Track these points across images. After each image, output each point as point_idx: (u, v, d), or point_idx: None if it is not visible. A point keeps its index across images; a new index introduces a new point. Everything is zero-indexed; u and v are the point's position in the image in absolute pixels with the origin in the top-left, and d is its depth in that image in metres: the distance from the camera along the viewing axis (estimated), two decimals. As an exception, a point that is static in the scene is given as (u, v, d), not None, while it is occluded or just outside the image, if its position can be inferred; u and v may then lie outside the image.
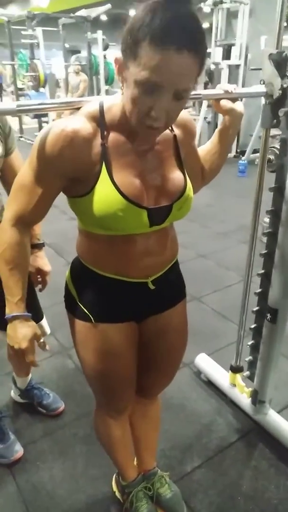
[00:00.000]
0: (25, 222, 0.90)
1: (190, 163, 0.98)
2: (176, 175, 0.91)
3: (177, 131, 0.94)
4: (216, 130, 1.06)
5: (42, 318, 1.55)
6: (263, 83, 1.16)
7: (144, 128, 0.77)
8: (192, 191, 0.95)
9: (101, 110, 0.84)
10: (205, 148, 1.08)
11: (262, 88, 1.17)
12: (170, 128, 0.92)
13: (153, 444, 1.39)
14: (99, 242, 0.93)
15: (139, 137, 0.84)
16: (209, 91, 1.01)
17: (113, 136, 0.84)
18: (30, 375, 1.77)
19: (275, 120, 1.20)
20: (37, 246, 1.43)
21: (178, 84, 0.71)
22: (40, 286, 1.48)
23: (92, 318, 0.98)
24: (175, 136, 0.93)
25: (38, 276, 1.45)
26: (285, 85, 1.15)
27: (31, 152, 0.84)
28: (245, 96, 1.02)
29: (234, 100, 1.01)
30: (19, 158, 1.32)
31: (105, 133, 0.83)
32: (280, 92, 1.14)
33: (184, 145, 0.95)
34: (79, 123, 0.81)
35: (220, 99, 1.00)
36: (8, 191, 1.20)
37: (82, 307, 0.99)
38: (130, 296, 0.98)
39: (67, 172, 0.84)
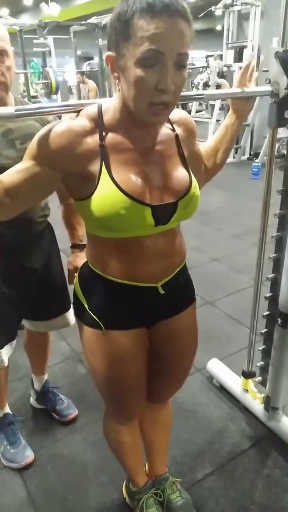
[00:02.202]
0: (7, 193, 0.87)
1: (193, 161, 0.98)
2: (180, 173, 0.90)
3: (178, 130, 0.94)
4: (220, 126, 1.06)
5: (68, 309, 1.58)
6: (269, 82, 1.14)
7: (151, 113, 0.77)
8: (198, 189, 0.93)
9: (100, 112, 0.85)
10: (209, 145, 1.09)
11: (268, 87, 1.15)
12: (171, 127, 0.92)
13: (164, 449, 1.38)
14: (107, 246, 0.92)
15: (139, 135, 0.85)
16: (213, 91, 1.01)
17: (112, 136, 0.85)
18: (46, 375, 1.79)
19: (282, 120, 1.17)
20: (78, 247, 1.50)
21: (177, 48, 0.73)
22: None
23: (102, 325, 0.97)
24: (177, 135, 0.92)
25: (76, 274, 1.50)
26: (291, 84, 1.12)
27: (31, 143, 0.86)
28: (250, 96, 1.01)
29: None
30: None
31: (104, 133, 0.84)
32: (286, 91, 1.12)
33: (187, 144, 0.95)
34: (75, 121, 0.84)
35: (225, 99, 1.00)
36: None
37: (92, 314, 0.98)
38: (140, 301, 0.97)
39: (56, 163, 0.84)
